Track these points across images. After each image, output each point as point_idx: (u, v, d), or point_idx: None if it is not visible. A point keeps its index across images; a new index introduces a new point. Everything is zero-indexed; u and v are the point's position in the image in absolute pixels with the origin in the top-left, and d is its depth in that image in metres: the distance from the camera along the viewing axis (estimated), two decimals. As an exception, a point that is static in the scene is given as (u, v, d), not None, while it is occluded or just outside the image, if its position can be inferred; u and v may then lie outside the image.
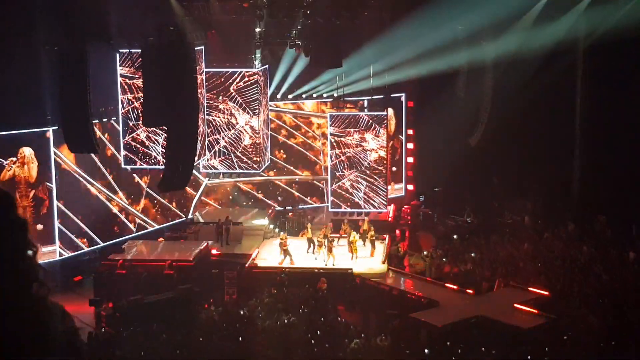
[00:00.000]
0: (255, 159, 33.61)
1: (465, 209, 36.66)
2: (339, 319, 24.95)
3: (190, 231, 33.88)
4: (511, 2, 32.62)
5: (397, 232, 35.04)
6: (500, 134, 35.92)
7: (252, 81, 32.95)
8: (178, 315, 24.86)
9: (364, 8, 32.47)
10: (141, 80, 27.59)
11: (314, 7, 30.28)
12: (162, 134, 29.22)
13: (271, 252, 31.29)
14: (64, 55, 24.63)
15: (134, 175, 33.17)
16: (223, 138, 33.44)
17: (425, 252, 31.13)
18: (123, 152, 30.93)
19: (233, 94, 33.04)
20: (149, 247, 31.90)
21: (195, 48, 28.44)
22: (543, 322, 24.15)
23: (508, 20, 33.58)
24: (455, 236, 33.46)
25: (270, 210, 36.09)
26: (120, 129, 30.87)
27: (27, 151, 29.07)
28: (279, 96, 36.83)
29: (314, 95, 37.35)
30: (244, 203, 37.31)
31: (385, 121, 34.56)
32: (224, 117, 33.27)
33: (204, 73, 32.11)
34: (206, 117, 32.75)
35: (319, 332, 23.05)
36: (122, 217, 32.77)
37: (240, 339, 22.92)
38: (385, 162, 34.30)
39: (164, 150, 27.92)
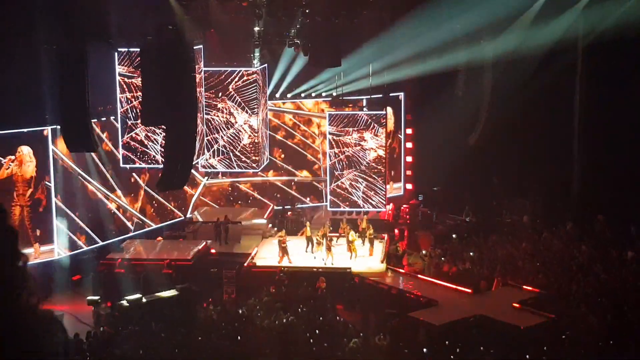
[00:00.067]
0: (254, 158, 33.60)
1: (464, 208, 36.68)
2: (337, 318, 24.95)
3: (189, 230, 33.91)
4: (510, 1, 32.60)
5: (396, 231, 35.06)
6: (499, 133, 35.91)
7: (251, 80, 32.94)
8: (177, 315, 24.88)
9: (363, 7, 32.44)
10: (140, 79, 27.58)
11: (313, 6, 30.25)
12: (161, 133, 29.22)
13: (270, 251, 31.32)
14: (63, 54, 24.58)
15: (133, 174, 33.17)
16: (222, 137, 33.43)
17: (424, 252, 31.16)
18: (122, 152, 30.92)
19: (232, 93, 33.04)
20: (148, 246, 31.89)
21: (194, 47, 28.39)
22: (542, 321, 24.14)
23: (507, 19, 33.56)
24: (454, 235, 33.43)
25: (269, 210, 36.08)
26: (119, 128, 30.85)
27: (26, 150, 29.05)
28: (277, 95, 36.84)
29: (313, 95, 37.35)
30: (243, 203, 37.30)
31: (384, 120, 34.55)
32: (222, 116, 33.26)
33: (202, 72, 32.11)
34: (205, 116, 32.76)
35: (317, 331, 23.04)
36: (121, 216, 32.76)
37: (239, 338, 22.92)
38: (384, 161, 34.30)
39: (163, 150, 27.91)
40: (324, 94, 37.33)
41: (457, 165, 36.15)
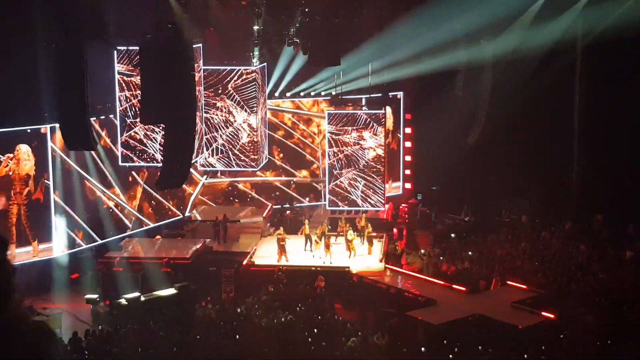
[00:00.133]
0: (253, 157, 33.60)
1: (463, 207, 36.69)
2: (336, 317, 24.94)
3: (188, 229, 33.91)
4: (510, 2, 32.61)
5: (395, 230, 35.07)
6: (498, 133, 35.94)
7: (250, 79, 32.93)
8: (175, 313, 24.87)
9: (363, 6, 32.40)
10: (139, 77, 27.56)
11: (312, 5, 30.21)
12: (160, 132, 29.21)
13: (269, 250, 31.32)
14: (62, 52, 24.55)
15: (132, 172, 33.16)
16: (221, 136, 33.43)
17: (422, 251, 31.16)
18: (121, 150, 30.90)
19: (231, 92, 33.04)
20: (146, 245, 31.86)
21: (193, 46, 28.37)
22: (540, 320, 24.15)
23: (506, 19, 33.58)
24: (452, 235, 33.45)
25: (267, 209, 36.07)
26: (118, 126, 30.83)
27: (24, 148, 29.03)
28: (277, 94, 36.84)
29: (312, 94, 37.34)
30: (241, 201, 37.30)
31: (383, 119, 34.52)
32: (221, 115, 33.26)
33: (201, 71, 32.10)
34: (204, 115, 32.76)
35: (316, 330, 23.04)
36: (120, 214, 32.75)
37: (237, 336, 22.90)
38: (383, 160, 34.27)
39: (162, 148, 27.89)
40: (323, 93, 37.32)
41: (456, 165, 36.18)
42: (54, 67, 25.10)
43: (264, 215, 34.87)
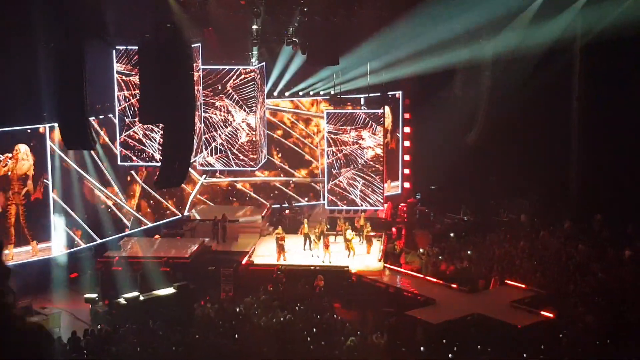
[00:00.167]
0: (251, 156, 33.59)
1: (461, 207, 36.67)
2: (335, 316, 24.94)
3: (187, 228, 33.88)
4: (509, 1, 32.61)
5: (394, 230, 35.03)
6: (497, 132, 35.93)
7: (249, 78, 32.93)
8: (174, 313, 24.86)
9: (361, 6, 32.42)
10: (138, 77, 27.54)
11: (311, 4, 30.23)
12: (159, 131, 29.21)
13: (268, 249, 31.32)
14: (61, 52, 24.53)
15: (131, 172, 33.12)
16: (219, 135, 33.43)
17: (421, 250, 31.15)
18: (119, 149, 30.89)
19: (230, 91, 33.04)
20: (145, 244, 31.81)
21: (192, 45, 28.38)
22: (539, 320, 24.17)
23: (505, 18, 33.57)
24: (451, 234, 33.43)
25: (266, 208, 36.06)
26: (117, 125, 30.82)
27: (23, 148, 29.00)
28: (275, 94, 36.80)
29: (311, 93, 37.32)
30: (240, 201, 37.27)
31: (382, 119, 34.53)
32: (220, 115, 33.26)
33: (200, 70, 32.12)
34: (203, 114, 32.78)
35: (315, 329, 23.04)
36: (119, 214, 32.72)
37: (236, 336, 22.90)
38: (381, 159, 34.28)
39: (161, 148, 27.88)
40: (322, 93, 37.29)
41: (455, 164, 36.16)
42: (53, 67, 25.07)
43: (263, 214, 34.86)
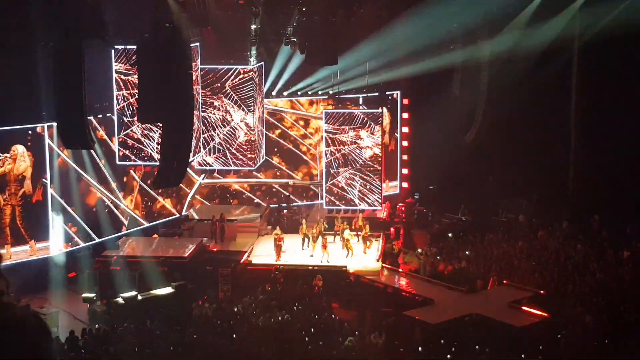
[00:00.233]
0: (250, 156, 33.59)
1: (460, 207, 36.67)
2: (333, 316, 24.94)
3: (185, 228, 33.87)
4: (507, 1, 32.64)
5: (392, 230, 35.01)
6: (495, 132, 35.94)
7: (247, 78, 32.94)
8: (172, 312, 24.86)
9: (360, 5, 32.44)
10: (136, 76, 27.54)
11: (309, 4, 30.21)
12: (157, 131, 29.19)
13: (266, 249, 31.31)
14: (59, 51, 24.51)
15: (129, 171, 33.11)
16: (218, 135, 33.42)
17: (419, 250, 31.14)
18: (118, 149, 30.87)
19: (228, 91, 33.03)
20: (143, 244, 31.84)
21: (191, 45, 28.39)
22: (537, 320, 24.17)
23: (503, 18, 33.60)
24: (449, 234, 33.46)
25: (265, 208, 36.04)
26: (115, 125, 30.80)
27: (20, 148, 28.93)
28: (274, 93, 36.78)
29: (309, 93, 37.31)
30: (238, 200, 37.26)
31: (380, 119, 34.53)
32: (219, 114, 33.26)
33: (199, 70, 32.09)
34: (201, 113, 32.77)
35: (313, 329, 23.04)
36: (117, 213, 32.70)
37: (234, 336, 22.91)
38: (380, 159, 34.28)
39: (159, 147, 27.87)
40: (320, 92, 37.27)
41: (453, 164, 36.16)
42: (52, 66, 25.05)
43: (261, 214, 34.86)
